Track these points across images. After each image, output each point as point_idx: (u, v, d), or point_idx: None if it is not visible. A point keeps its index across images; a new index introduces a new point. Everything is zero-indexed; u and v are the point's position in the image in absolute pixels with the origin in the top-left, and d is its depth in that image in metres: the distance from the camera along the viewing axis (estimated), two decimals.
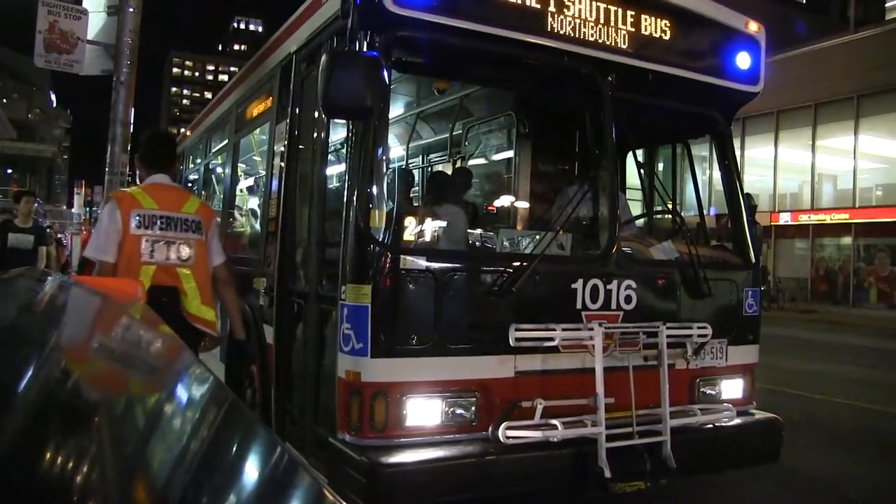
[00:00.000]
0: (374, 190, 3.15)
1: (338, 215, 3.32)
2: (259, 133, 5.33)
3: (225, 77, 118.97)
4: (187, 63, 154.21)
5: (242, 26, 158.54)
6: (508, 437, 3.15)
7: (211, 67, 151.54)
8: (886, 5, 31.03)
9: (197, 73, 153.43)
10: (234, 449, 1.15)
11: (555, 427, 3.21)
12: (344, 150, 3.66)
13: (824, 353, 12.42)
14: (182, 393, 1.49)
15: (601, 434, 3.26)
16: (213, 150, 6.91)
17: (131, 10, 5.96)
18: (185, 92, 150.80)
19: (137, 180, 4.53)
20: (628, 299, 3.69)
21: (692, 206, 4.76)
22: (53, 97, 64.61)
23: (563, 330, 3.31)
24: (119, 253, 3.46)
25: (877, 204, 23.78)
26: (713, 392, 4.06)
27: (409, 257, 3.15)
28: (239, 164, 5.92)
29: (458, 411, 3.22)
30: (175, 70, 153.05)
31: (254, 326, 4.47)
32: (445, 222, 3.84)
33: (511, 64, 3.74)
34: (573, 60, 3.68)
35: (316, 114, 3.84)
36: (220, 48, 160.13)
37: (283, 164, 4.20)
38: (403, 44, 3.31)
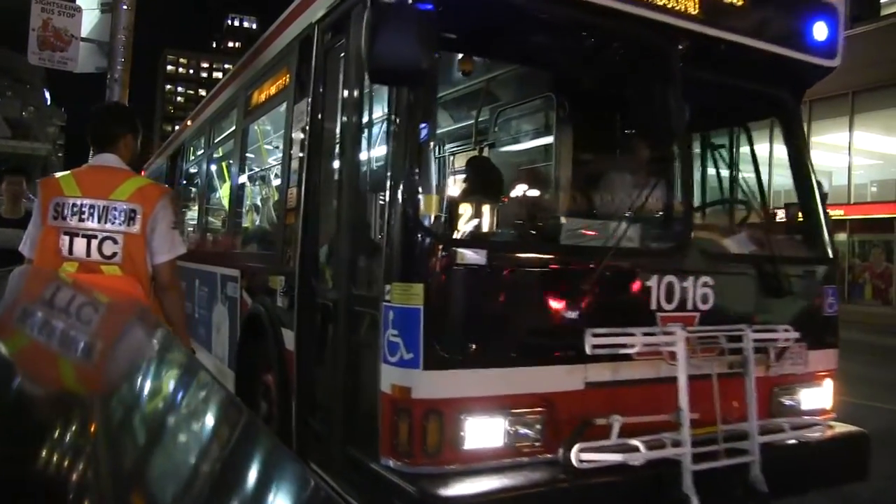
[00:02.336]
0: (425, 172, 2.67)
1: (375, 203, 2.85)
2: (273, 116, 4.85)
3: (219, 74, 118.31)
4: (181, 60, 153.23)
5: (237, 23, 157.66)
6: (582, 461, 2.69)
7: (205, 65, 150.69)
8: (882, 1, 30.67)
9: (191, 71, 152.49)
10: (253, 476, 0.96)
11: (635, 448, 2.75)
12: (380, 128, 3.19)
13: None
14: (187, 408, 1.26)
15: (686, 455, 2.80)
16: (218, 139, 6.41)
17: (125, 7, 5.91)
18: (180, 89, 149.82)
19: None
20: (704, 298, 3.23)
21: (749, 195, 4.25)
22: (48, 95, 63.81)
23: (644, 335, 2.84)
24: (39, 247, 3.02)
25: (872, 200, 23.53)
26: (792, 402, 3.60)
27: (467, 251, 2.67)
28: (248, 152, 5.43)
29: (523, 431, 2.74)
30: (169, 67, 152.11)
31: (270, 331, 4.00)
32: (501, 211, 3.36)
33: (571, 34, 3.29)
34: (641, 26, 3.22)
35: (344, 90, 3.37)
36: (214, 45, 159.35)
37: (303, 148, 3.73)
38: (453, 4, 2.83)
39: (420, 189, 2.65)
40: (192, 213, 7.90)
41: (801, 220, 4.01)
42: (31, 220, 3.18)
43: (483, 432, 2.67)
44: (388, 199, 2.71)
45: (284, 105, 4.28)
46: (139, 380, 1.38)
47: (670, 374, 2.98)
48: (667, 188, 3.36)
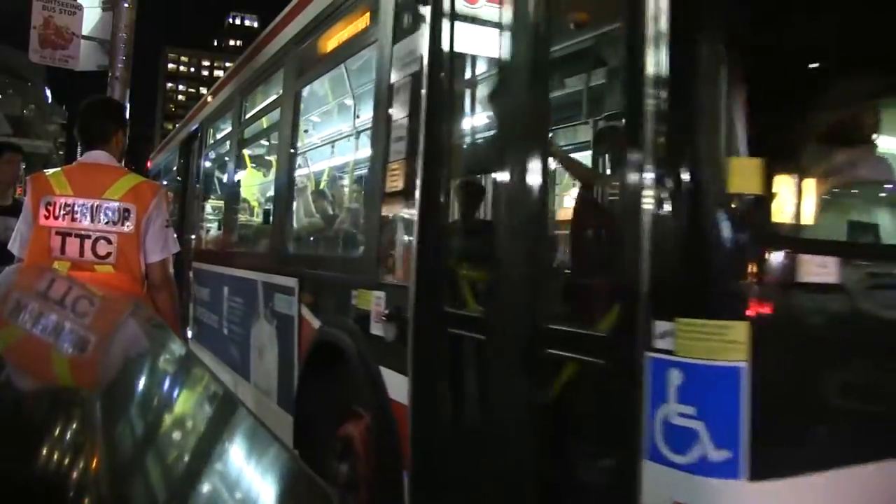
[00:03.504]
0: (729, 118, 1.46)
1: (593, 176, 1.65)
2: (347, 69, 3.64)
3: (221, 73, 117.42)
4: (182, 58, 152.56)
5: (238, 22, 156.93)
6: None
7: (206, 63, 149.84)
8: None
9: (192, 69, 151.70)
10: None
11: None
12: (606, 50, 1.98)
13: None
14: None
15: None
16: (254, 112, 5.17)
17: (126, 5, 5.93)
18: (181, 87, 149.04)
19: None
20: None
21: None
22: (48, 93, 62.89)
23: None
24: (30, 247, 2.98)
25: None
26: None
27: (817, 259, 1.42)
28: (305, 120, 4.19)
29: None
30: (170, 66, 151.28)
31: (361, 369, 2.80)
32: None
33: None
34: None
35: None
36: (215, 44, 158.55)
37: (417, 103, 2.53)
38: None
39: (725, 149, 1.43)
40: (216, 205, 6.71)
41: None
42: (21, 217, 3.11)
43: None
44: (655, 164, 1.50)
45: (372, 50, 3.08)
46: (155, 406, 1.24)
47: None
48: None
